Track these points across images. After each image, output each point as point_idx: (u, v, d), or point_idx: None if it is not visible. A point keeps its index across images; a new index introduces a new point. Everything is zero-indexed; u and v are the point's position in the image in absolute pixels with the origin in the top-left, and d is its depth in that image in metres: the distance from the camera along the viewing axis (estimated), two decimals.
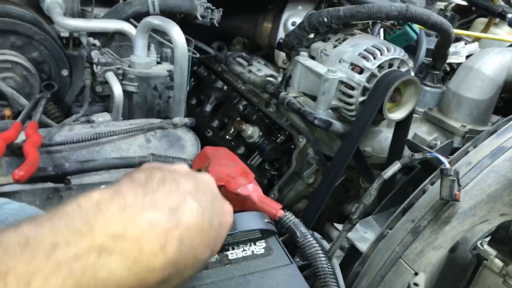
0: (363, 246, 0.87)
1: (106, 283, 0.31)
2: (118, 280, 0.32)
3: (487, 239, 0.59)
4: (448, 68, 1.30)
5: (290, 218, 0.67)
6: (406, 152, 1.01)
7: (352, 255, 0.88)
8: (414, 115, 1.05)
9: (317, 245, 0.64)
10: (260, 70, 1.34)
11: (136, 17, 1.03)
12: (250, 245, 0.61)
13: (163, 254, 0.34)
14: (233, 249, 0.60)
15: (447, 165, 0.76)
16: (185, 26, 1.12)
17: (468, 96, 1.04)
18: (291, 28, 1.29)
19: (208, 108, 1.41)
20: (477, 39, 1.39)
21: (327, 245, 0.81)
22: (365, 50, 0.95)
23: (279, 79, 1.22)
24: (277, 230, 0.67)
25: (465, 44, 1.28)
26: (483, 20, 1.62)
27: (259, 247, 0.61)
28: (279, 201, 1.16)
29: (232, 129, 1.28)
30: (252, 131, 1.20)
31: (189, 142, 0.86)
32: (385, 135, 1.09)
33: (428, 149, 0.87)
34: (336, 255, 0.84)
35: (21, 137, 0.73)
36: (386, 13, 0.93)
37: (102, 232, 0.32)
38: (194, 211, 0.38)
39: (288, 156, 1.15)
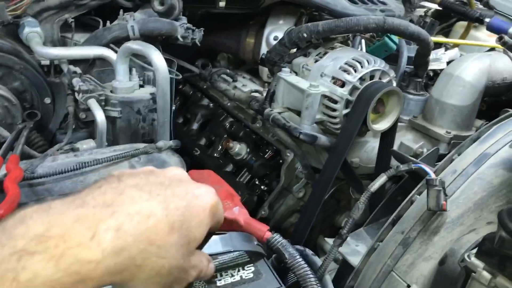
0: (355, 260, 0.86)
1: (33, 284, 0.31)
2: (47, 279, 0.31)
3: (474, 250, 0.59)
4: (431, 74, 1.31)
5: (278, 239, 0.66)
6: (394, 161, 1.01)
7: (344, 269, 0.88)
8: (399, 123, 1.06)
9: (305, 265, 0.64)
10: (245, 86, 1.34)
11: (117, 42, 1.03)
12: (239, 270, 0.61)
13: (96, 244, 0.33)
14: (221, 275, 0.59)
15: (433, 175, 0.76)
16: (167, 46, 1.13)
17: (451, 103, 1.05)
18: (273, 42, 1.30)
19: (195, 126, 1.41)
20: (457, 44, 1.40)
21: (319, 261, 0.81)
22: (345, 63, 0.96)
23: (265, 93, 1.22)
24: (265, 252, 0.66)
25: (446, 50, 1.29)
26: (463, 24, 1.64)
27: (247, 272, 0.61)
28: (270, 217, 1.16)
29: (220, 147, 1.28)
30: (239, 148, 1.20)
31: (174, 166, 0.85)
32: (372, 145, 1.09)
33: (414, 159, 0.88)
34: (330, 268, 0.84)
35: (2, 171, 0.72)
36: (364, 25, 0.94)
37: (23, 237, 0.32)
38: (137, 198, 0.38)
39: (277, 171, 1.15)
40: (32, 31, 0.98)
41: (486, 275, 0.55)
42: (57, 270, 0.31)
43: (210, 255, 0.60)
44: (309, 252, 0.80)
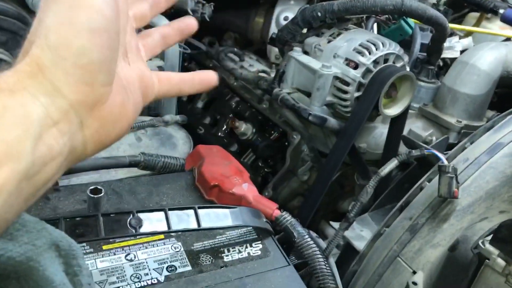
0: (359, 245, 0.85)
1: None
2: None
3: (489, 237, 0.57)
4: (441, 64, 1.29)
5: (287, 218, 0.65)
6: (401, 148, 1.00)
7: (348, 253, 0.87)
8: (409, 110, 1.04)
9: (314, 245, 0.63)
10: (252, 66, 1.31)
11: None
12: (246, 247, 0.59)
13: None
14: (228, 251, 0.58)
15: (445, 162, 0.75)
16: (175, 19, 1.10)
17: (464, 92, 1.03)
18: (283, 23, 1.27)
19: (200, 104, 1.39)
20: (470, 33, 1.38)
21: (323, 244, 0.80)
22: (360, 45, 0.94)
23: (272, 74, 1.20)
24: (273, 230, 0.65)
25: (459, 38, 1.26)
26: (475, 15, 1.61)
27: (255, 249, 0.60)
28: (274, 199, 1.14)
29: (225, 126, 1.26)
30: (245, 128, 1.18)
31: (181, 140, 0.84)
32: (380, 131, 1.07)
33: (425, 145, 0.86)
34: (334, 251, 0.83)
35: None
36: (381, 7, 0.91)
37: None
38: None
39: (282, 153, 1.13)
40: None
41: (501, 262, 0.53)
42: None
43: (219, 228, 0.59)
44: (313, 234, 0.79)
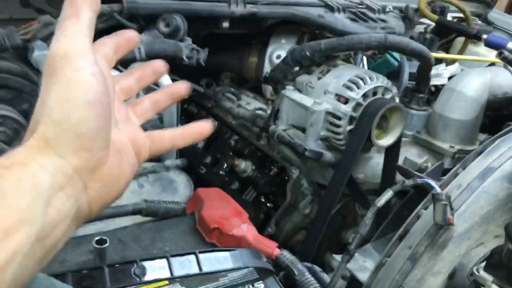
0: (363, 276, 0.86)
1: None
2: None
3: (483, 264, 0.59)
4: (433, 89, 1.32)
5: (287, 256, 0.67)
6: (399, 176, 1.02)
7: (353, 285, 0.88)
8: (403, 138, 1.07)
9: (315, 282, 0.64)
10: (249, 104, 1.36)
11: (123, 64, 1.05)
12: (249, 287, 0.61)
13: None
14: None
15: (438, 190, 0.77)
16: (172, 66, 1.15)
17: (454, 117, 1.06)
18: (276, 61, 1.32)
19: (200, 144, 1.42)
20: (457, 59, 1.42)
21: (327, 278, 0.81)
22: (348, 81, 0.98)
23: (269, 111, 1.23)
24: (275, 269, 0.67)
25: (446, 65, 1.31)
26: (462, 39, 1.67)
27: None
28: (277, 235, 1.16)
29: (225, 165, 1.29)
30: (245, 166, 1.21)
31: (182, 184, 0.86)
32: (376, 160, 1.10)
33: (419, 174, 0.88)
34: (338, 285, 0.84)
35: None
36: (366, 43, 0.96)
37: None
38: None
39: (283, 188, 1.16)
40: (41, 54, 1.00)
41: None
42: None
43: (221, 271, 0.61)
44: (317, 269, 0.80)
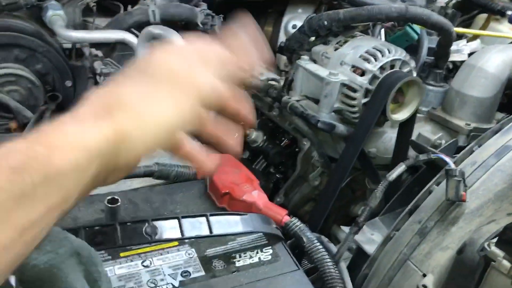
0: (370, 248, 0.87)
1: None
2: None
3: (495, 240, 0.58)
4: (451, 66, 1.29)
5: (296, 223, 0.67)
6: (411, 152, 1.01)
7: (359, 257, 0.88)
8: (418, 114, 1.05)
9: (323, 250, 0.65)
10: (262, 74, 1.34)
11: (137, 27, 1.04)
12: (257, 252, 0.62)
13: None
14: (240, 256, 0.60)
15: (452, 166, 0.76)
16: (187, 31, 1.13)
17: (472, 95, 1.03)
18: (292, 31, 1.29)
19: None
20: (478, 36, 1.38)
21: (334, 248, 0.81)
22: (366, 52, 0.95)
23: (281, 82, 1.22)
24: (283, 236, 0.67)
25: (467, 41, 1.27)
26: (484, 16, 1.61)
27: (266, 254, 0.62)
28: (285, 205, 1.16)
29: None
30: (256, 136, 1.20)
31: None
32: (389, 135, 1.08)
33: (433, 149, 0.87)
34: (344, 256, 0.84)
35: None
36: (386, 14, 0.93)
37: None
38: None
39: (293, 159, 1.15)
40: (55, 14, 0.99)
41: (506, 264, 0.54)
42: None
43: (230, 234, 0.61)
44: (324, 239, 0.81)
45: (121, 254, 0.55)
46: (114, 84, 0.36)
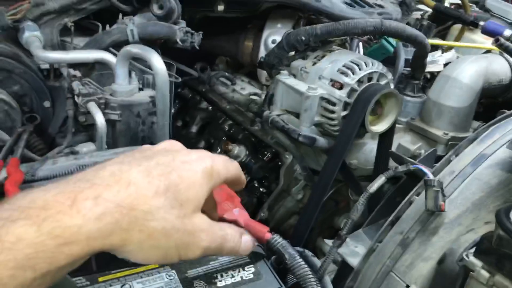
0: (354, 261, 0.87)
1: (17, 246, 0.32)
2: (30, 242, 0.33)
3: (473, 250, 0.59)
4: (428, 76, 1.32)
5: (278, 240, 0.67)
6: (392, 163, 1.02)
7: (344, 270, 0.88)
8: (397, 125, 1.07)
9: (305, 266, 0.64)
10: (244, 89, 1.35)
11: (116, 46, 1.04)
12: (239, 271, 0.61)
13: (76, 211, 0.35)
14: (221, 276, 0.60)
15: (431, 176, 0.77)
16: (166, 50, 1.13)
17: (448, 105, 1.06)
18: (271, 45, 1.31)
19: (194, 129, 1.41)
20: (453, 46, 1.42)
21: (318, 262, 0.81)
22: (343, 66, 0.97)
23: (263, 96, 1.23)
24: (267, 253, 0.67)
25: (442, 52, 1.30)
26: (459, 27, 1.66)
27: (248, 272, 0.61)
28: (270, 219, 1.16)
29: (219, 150, 1.29)
30: (238, 151, 1.20)
31: None
32: (370, 146, 1.10)
33: (412, 160, 0.88)
34: (329, 269, 0.84)
35: (3, 174, 0.72)
36: (362, 28, 0.95)
37: (7, 210, 0.34)
38: (117, 171, 0.39)
39: (276, 173, 1.16)
40: (32, 35, 0.98)
41: (485, 274, 0.55)
42: (39, 234, 0.33)
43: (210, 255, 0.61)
44: (308, 253, 0.81)
45: (100, 279, 0.54)
46: (117, 162, 0.42)
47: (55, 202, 0.35)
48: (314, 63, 1.02)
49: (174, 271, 0.58)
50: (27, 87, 1.04)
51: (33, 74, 1.04)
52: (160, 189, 0.39)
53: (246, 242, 0.50)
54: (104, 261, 0.55)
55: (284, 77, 1.04)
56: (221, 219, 0.67)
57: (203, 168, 0.44)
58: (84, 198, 0.36)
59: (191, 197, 0.42)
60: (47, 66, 1.06)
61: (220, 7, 1.24)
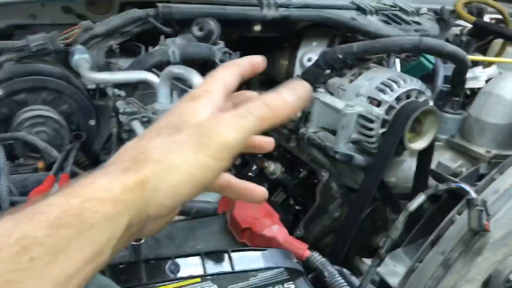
0: (393, 281, 0.85)
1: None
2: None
3: None
4: (468, 92, 1.29)
5: (317, 257, 0.67)
6: (431, 181, 1.00)
7: None
8: (437, 142, 1.05)
9: (345, 284, 0.64)
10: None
11: (158, 67, 1.08)
12: (279, 287, 0.62)
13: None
14: None
15: (474, 195, 0.75)
16: (205, 69, 1.17)
17: (490, 122, 1.03)
18: (307, 63, 1.32)
19: None
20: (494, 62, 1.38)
21: (356, 281, 0.80)
22: (381, 83, 0.97)
23: (299, 113, 1.24)
24: (305, 270, 0.67)
25: (484, 67, 1.27)
26: (500, 41, 1.62)
27: None
28: (306, 237, 1.16)
29: (255, 166, 1.30)
30: (274, 168, 1.21)
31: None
32: (409, 164, 1.08)
33: (453, 178, 0.87)
34: None
35: (55, 189, 0.76)
36: (400, 46, 0.95)
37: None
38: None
39: (312, 190, 1.15)
40: (81, 58, 1.05)
41: None
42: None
43: (252, 270, 0.62)
44: (346, 272, 0.80)
45: None
46: (141, 137, 0.38)
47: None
48: (351, 81, 1.03)
49: (216, 285, 0.59)
50: (74, 106, 1.10)
51: (81, 94, 1.10)
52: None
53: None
54: (151, 274, 0.57)
55: (321, 94, 1.05)
56: (261, 236, 0.68)
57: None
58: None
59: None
60: (93, 86, 1.13)
61: (257, 28, 1.27)
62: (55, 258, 0.29)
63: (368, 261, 1.04)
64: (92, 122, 1.13)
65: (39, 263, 0.28)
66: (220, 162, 0.35)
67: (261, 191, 0.47)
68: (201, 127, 0.36)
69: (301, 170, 1.21)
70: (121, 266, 0.58)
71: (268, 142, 0.47)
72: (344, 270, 0.79)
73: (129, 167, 0.34)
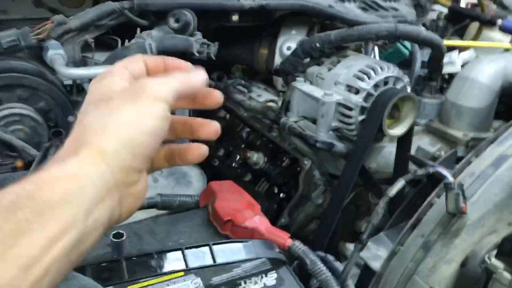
0: (376, 265, 0.87)
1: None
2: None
3: (495, 252, 0.59)
4: (446, 76, 1.31)
5: (299, 246, 0.68)
6: (412, 165, 1.02)
7: (366, 274, 0.89)
8: (416, 127, 1.06)
9: (327, 271, 0.65)
10: (260, 96, 1.36)
11: None
12: (262, 277, 0.62)
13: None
14: (245, 282, 0.61)
15: (450, 179, 0.77)
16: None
17: (467, 105, 1.05)
18: (286, 52, 1.32)
19: None
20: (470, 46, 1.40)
21: (340, 267, 0.82)
22: (359, 71, 0.97)
23: (280, 103, 1.24)
24: (288, 259, 0.68)
25: (459, 52, 1.29)
26: (477, 25, 1.63)
27: (270, 278, 0.62)
28: (290, 225, 1.17)
29: (238, 157, 1.30)
30: (257, 158, 1.22)
31: (195, 178, 0.88)
32: (389, 150, 1.10)
33: (431, 162, 0.88)
34: (352, 273, 0.85)
35: None
36: (376, 33, 0.96)
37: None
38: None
39: (295, 179, 1.16)
40: (55, 53, 1.02)
41: (507, 275, 0.55)
42: None
43: (234, 262, 0.62)
44: (330, 258, 0.81)
45: None
46: (81, 115, 0.40)
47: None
48: (330, 69, 1.03)
49: (199, 278, 0.59)
50: (52, 103, 1.08)
51: (57, 90, 1.08)
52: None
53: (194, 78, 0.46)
54: (133, 271, 0.57)
55: (300, 84, 1.05)
56: (243, 227, 0.69)
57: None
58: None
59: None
60: (70, 82, 1.11)
61: (235, 17, 1.26)
62: (16, 242, 0.29)
63: (352, 246, 1.06)
64: (71, 119, 1.11)
65: (0, 249, 0.28)
66: (159, 110, 0.38)
67: (214, 123, 0.50)
68: (133, 86, 0.40)
69: (283, 159, 1.22)
70: (102, 264, 0.58)
71: (214, 95, 0.51)
72: (328, 256, 0.81)
73: (78, 145, 0.36)
